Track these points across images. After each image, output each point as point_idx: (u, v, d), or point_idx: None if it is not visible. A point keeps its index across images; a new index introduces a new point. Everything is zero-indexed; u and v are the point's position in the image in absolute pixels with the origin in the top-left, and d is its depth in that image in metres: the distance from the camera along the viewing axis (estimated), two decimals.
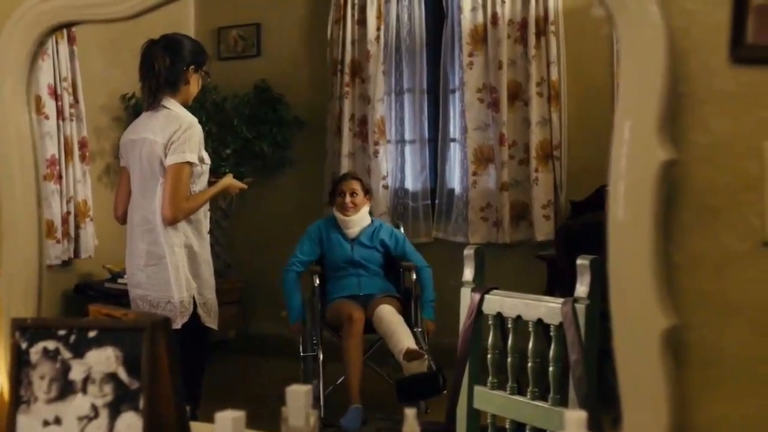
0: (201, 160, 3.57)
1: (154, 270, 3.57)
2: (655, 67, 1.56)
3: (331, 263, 4.80)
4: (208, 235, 3.74)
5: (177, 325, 3.49)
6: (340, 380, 4.46)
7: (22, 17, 2.17)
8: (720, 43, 1.59)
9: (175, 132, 3.50)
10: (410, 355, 4.20)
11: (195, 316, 3.60)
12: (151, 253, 3.57)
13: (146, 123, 3.60)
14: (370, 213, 5.01)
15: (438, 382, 4.00)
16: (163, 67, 3.56)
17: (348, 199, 4.81)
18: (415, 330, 4.53)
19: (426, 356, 4.19)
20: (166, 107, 3.57)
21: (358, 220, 4.82)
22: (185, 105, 3.65)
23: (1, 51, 2.19)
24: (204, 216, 3.69)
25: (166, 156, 3.49)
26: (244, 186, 3.97)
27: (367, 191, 4.95)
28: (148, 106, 3.61)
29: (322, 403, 4.35)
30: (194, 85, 3.68)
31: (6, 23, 2.18)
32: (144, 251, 3.59)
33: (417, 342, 4.35)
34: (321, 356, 4.49)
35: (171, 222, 3.51)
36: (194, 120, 3.59)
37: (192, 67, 3.64)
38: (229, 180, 3.86)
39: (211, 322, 3.68)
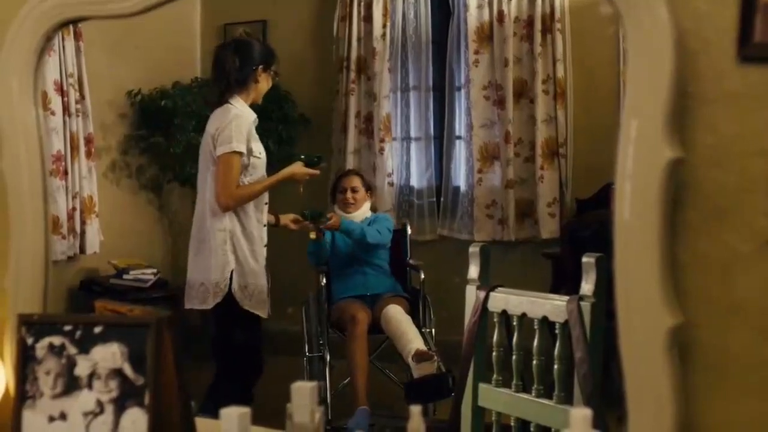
0: (249, 152, 3.70)
1: (198, 254, 3.78)
2: (663, 66, 1.56)
3: (336, 261, 4.78)
4: (265, 228, 3.86)
5: (209, 304, 3.71)
6: (346, 381, 4.43)
7: (30, 13, 2.17)
8: (728, 42, 1.58)
9: (222, 122, 3.68)
10: (420, 356, 4.17)
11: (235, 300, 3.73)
12: (196, 239, 3.79)
13: (210, 119, 3.80)
14: (375, 210, 4.98)
15: (448, 383, 3.97)
16: (233, 68, 3.75)
17: (349, 194, 4.78)
18: (423, 330, 4.50)
19: (435, 357, 4.16)
20: (228, 102, 3.75)
21: (359, 217, 4.79)
22: (255, 102, 3.83)
23: (8, 47, 2.19)
24: (255, 207, 3.79)
25: (215, 147, 3.67)
26: (315, 172, 3.98)
27: (369, 187, 4.92)
28: (215, 105, 3.79)
29: (329, 404, 4.31)
30: (264, 83, 3.83)
31: (14, 20, 2.19)
32: (194, 239, 3.81)
33: (426, 343, 4.33)
34: (328, 357, 4.45)
35: (225, 209, 3.69)
36: (243, 112, 3.73)
37: (261, 66, 3.80)
38: (295, 167, 3.94)
39: (251, 306, 3.76)
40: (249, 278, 3.75)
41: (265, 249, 3.84)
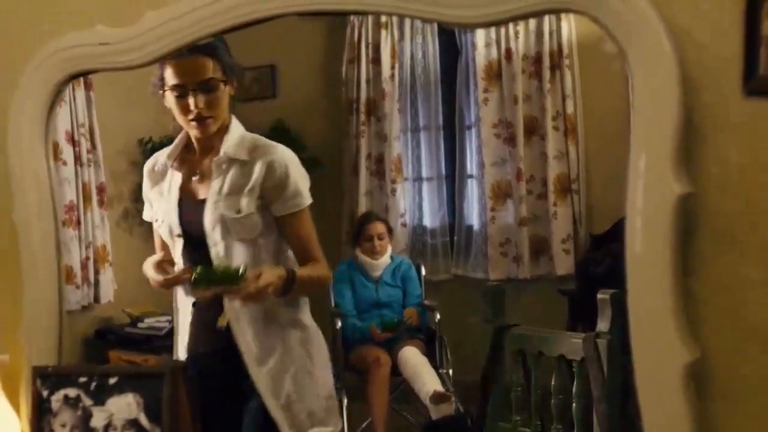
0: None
1: None
2: (669, 101, 1.55)
3: (356, 306, 4.78)
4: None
5: None
6: (365, 424, 4.41)
7: (40, 66, 2.19)
8: (733, 76, 1.59)
9: None
10: (437, 397, 4.15)
11: None
12: None
13: None
14: None
15: (466, 424, 3.96)
16: None
17: (376, 242, 4.81)
18: (440, 371, 4.49)
19: (453, 398, 4.15)
20: None
21: (385, 263, 4.83)
22: (185, 137, 2.75)
23: (19, 99, 2.21)
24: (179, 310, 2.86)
25: None
26: (159, 278, 2.78)
27: (391, 230, 4.97)
28: None
29: None
30: (173, 108, 2.65)
31: (24, 72, 2.21)
32: None
33: (443, 384, 4.31)
34: (345, 400, 4.42)
35: None
36: (147, 162, 2.84)
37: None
38: (145, 265, 2.84)
39: None
40: None
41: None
